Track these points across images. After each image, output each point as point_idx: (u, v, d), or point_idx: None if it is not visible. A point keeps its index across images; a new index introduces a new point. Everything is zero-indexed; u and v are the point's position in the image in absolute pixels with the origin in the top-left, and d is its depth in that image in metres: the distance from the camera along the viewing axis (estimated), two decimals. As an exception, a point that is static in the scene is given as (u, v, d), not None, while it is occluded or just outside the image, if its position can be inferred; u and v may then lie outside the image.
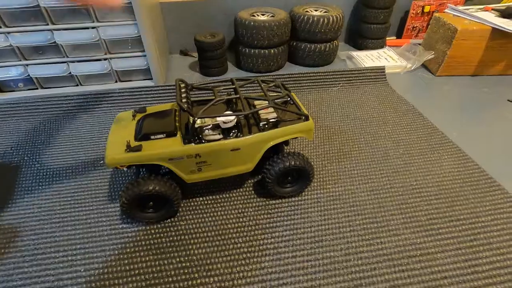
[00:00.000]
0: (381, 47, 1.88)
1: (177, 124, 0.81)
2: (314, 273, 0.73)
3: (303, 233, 0.82)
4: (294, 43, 1.67)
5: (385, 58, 1.73)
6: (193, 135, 0.75)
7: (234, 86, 0.84)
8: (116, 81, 1.42)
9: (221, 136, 0.78)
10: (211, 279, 0.72)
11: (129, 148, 0.73)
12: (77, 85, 1.39)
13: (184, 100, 0.75)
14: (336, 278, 0.72)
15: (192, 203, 0.90)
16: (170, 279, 0.71)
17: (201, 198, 0.91)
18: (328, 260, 0.75)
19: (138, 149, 0.73)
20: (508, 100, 1.41)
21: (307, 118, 0.84)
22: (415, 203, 0.91)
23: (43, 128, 1.21)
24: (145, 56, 1.35)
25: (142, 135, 0.77)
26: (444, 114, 1.31)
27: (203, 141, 0.77)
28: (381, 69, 1.55)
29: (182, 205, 0.89)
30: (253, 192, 0.94)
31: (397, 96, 1.43)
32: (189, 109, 0.74)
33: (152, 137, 0.77)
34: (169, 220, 0.85)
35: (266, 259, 0.76)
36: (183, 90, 0.80)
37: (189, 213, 0.87)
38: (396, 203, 0.91)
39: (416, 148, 1.12)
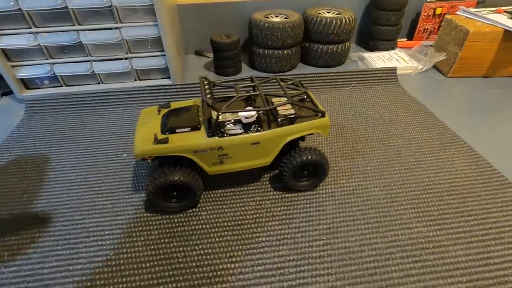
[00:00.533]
0: (392, 48, 1.91)
1: (200, 119, 0.85)
2: (330, 261, 0.76)
3: (318, 224, 0.86)
4: (307, 44, 1.70)
5: (396, 59, 1.75)
6: (216, 129, 0.80)
7: (254, 84, 0.89)
8: (135, 80, 1.48)
9: (242, 130, 0.83)
10: (233, 265, 0.76)
11: (157, 141, 0.78)
12: (99, 83, 1.45)
13: (208, 96, 0.80)
14: (351, 267, 0.75)
15: (212, 195, 0.94)
16: (194, 264, 0.76)
17: (220, 191, 0.96)
18: (343, 250, 0.79)
19: (165, 141, 0.78)
20: (520, 101, 1.42)
21: (323, 115, 0.88)
22: (427, 199, 0.93)
23: (68, 123, 1.28)
24: (164, 55, 1.41)
25: (168, 128, 0.82)
26: (455, 114, 1.34)
27: (225, 135, 0.81)
28: (393, 70, 1.58)
29: (202, 196, 0.93)
30: (269, 185, 0.98)
31: (408, 96, 1.46)
32: (214, 104, 0.78)
33: (178, 130, 0.81)
34: (190, 210, 0.89)
35: (284, 248, 0.79)
36: (206, 87, 0.84)
37: (209, 204, 0.91)
38: (408, 198, 0.94)
39: (428, 146, 1.15)
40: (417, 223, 0.86)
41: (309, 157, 0.86)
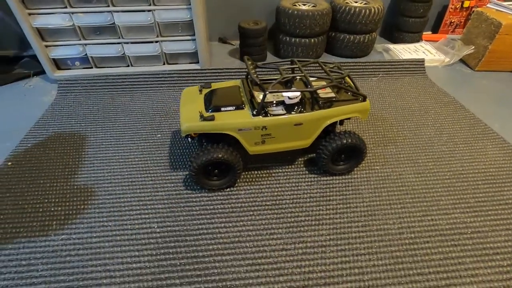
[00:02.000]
0: (417, 41, 1.89)
1: (243, 99, 0.86)
2: (370, 242, 0.78)
3: (355, 207, 0.87)
4: (333, 34, 1.70)
5: (423, 52, 1.73)
6: (262, 108, 0.81)
7: (297, 66, 0.89)
8: (164, 63, 1.49)
9: (284, 111, 0.83)
10: (274, 241, 0.77)
11: (203, 118, 0.79)
12: (128, 66, 1.47)
13: (255, 76, 0.81)
14: (391, 248, 0.76)
15: (249, 176, 0.96)
16: (236, 239, 0.78)
17: (256, 172, 0.97)
18: (383, 232, 0.80)
19: (211, 118, 0.79)
20: (551, 96, 1.40)
21: (364, 99, 0.88)
22: (462, 187, 0.94)
23: (100, 104, 1.30)
24: (194, 40, 1.41)
25: (213, 107, 0.83)
26: (485, 107, 1.33)
27: (269, 115, 0.82)
28: (421, 62, 1.57)
29: (242, 177, 0.95)
30: (304, 168, 0.99)
31: (437, 88, 1.45)
32: (261, 83, 0.79)
33: (223, 109, 0.83)
34: (228, 190, 0.91)
35: (324, 228, 0.81)
36: (251, 67, 0.85)
37: (246, 184, 0.93)
38: (443, 185, 0.94)
39: (460, 137, 1.14)
40: (453, 209, 0.87)
41: (349, 140, 0.87)
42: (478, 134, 1.16)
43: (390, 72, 1.54)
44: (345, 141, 0.87)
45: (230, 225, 0.81)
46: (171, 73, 1.42)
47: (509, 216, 0.85)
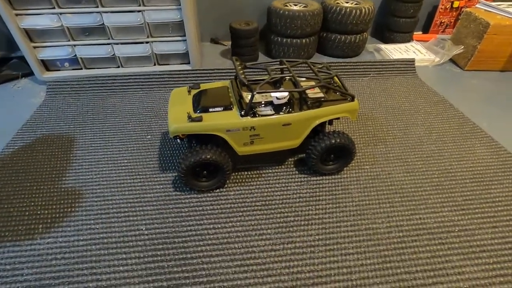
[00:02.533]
0: (408, 41, 1.90)
1: (231, 99, 0.86)
2: (359, 241, 0.78)
3: (345, 207, 0.87)
4: (324, 34, 1.70)
5: (413, 52, 1.75)
6: (250, 108, 0.80)
7: (285, 66, 0.89)
8: (154, 64, 1.48)
9: (272, 112, 0.83)
10: (263, 242, 0.77)
11: (191, 119, 0.79)
12: (118, 67, 1.46)
13: (243, 76, 0.80)
14: (379, 247, 0.77)
15: (238, 177, 0.95)
16: (225, 240, 0.77)
17: (246, 173, 0.97)
18: (371, 231, 0.80)
19: (199, 119, 0.79)
20: (539, 95, 1.42)
21: (352, 99, 0.88)
22: (450, 185, 0.94)
23: (89, 105, 1.28)
24: (185, 40, 1.41)
25: (201, 107, 0.83)
26: (474, 106, 1.34)
27: (257, 115, 0.82)
28: (411, 61, 1.58)
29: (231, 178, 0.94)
30: (294, 169, 0.99)
31: (427, 88, 1.46)
32: (249, 84, 0.79)
33: (211, 109, 0.82)
34: (218, 190, 0.90)
35: (313, 228, 0.81)
36: (239, 67, 0.85)
37: (236, 185, 0.93)
38: (432, 184, 0.95)
39: (449, 135, 1.15)
40: (441, 208, 0.87)
41: (338, 140, 0.87)
42: (467, 133, 1.17)
43: (381, 72, 1.55)
44: (333, 141, 0.87)
45: (219, 226, 0.81)
46: (162, 74, 1.41)
47: (496, 214, 0.86)
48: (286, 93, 0.82)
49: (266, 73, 0.88)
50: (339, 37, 1.66)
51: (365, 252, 0.75)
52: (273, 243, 0.77)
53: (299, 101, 0.86)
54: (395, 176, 0.97)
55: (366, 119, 1.24)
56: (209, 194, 0.89)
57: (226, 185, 0.92)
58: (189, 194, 0.89)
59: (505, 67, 1.62)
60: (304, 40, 1.61)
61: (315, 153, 0.89)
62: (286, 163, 1.01)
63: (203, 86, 0.94)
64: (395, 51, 1.74)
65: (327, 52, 1.75)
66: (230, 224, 0.81)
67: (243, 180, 0.94)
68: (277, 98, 0.82)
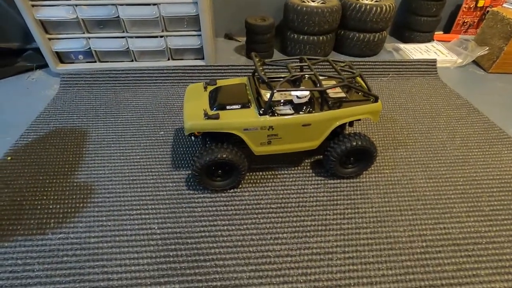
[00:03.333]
0: (429, 41, 1.83)
1: (249, 97, 0.83)
2: (380, 250, 0.74)
3: (364, 212, 0.83)
4: (342, 32, 1.65)
5: (434, 52, 1.68)
6: (269, 107, 0.77)
7: (305, 64, 0.86)
8: (168, 59, 1.46)
9: (292, 111, 0.80)
10: (279, 246, 0.74)
11: (208, 116, 0.76)
12: (132, 61, 1.44)
13: (263, 73, 0.77)
14: (401, 257, 0.73)
15: (253, 177, 0.92)
16: (239, 243, 0.74)
17: (261, 173, 0.94)
18: (392, 240, 0.76)
19: (216, 117, 0.76)
20: None
21: (376, 100, 0.84)
22: (476, 194, 0.90)
23: (103, 99, 1.27)
24: (200, 35, 1.38)
25: (218, 105, 0.80)
26: (499, 110, 1.28)
27: (276, 114, 0.78)
28: (433, 62, 1.52)
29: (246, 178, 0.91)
30: (311, 171, 0.95)
31: (449, 90, 1.40)
32: (269, 82, 0.76)
33: (228, 107, 0.79)
34: (232, 190, 0.88)
35: (330, 233, 0.77)
36: (259, 64, 0.82)
37: (251, 186, 0.90)
38: (456, 192, 0.90)
39: (474, 141, 1.10)
40: (467, 218, 0.83)
41: (359, 142, 0.83)
42: (493, 139, 1.11)
43: (401, 72, 1.50)
44: (355, 143, 0.83)
45: (233, 228, 0.78)
46: (176, 69, 1.39)
47: (526, 226, 0.81)
48: (307, 92, 0.79)
49: (285, 70, 0.84)
50: (357, 35, 1.61)
51: (386, 262, 0.71)
52: (289, 248, 0.74)
53: (319, 101, 0.82)
54: (417, 182, 0.93)
55: (385, 121, 1.19)
56: (223, 194, 0.87)
57: (240, 186, 0.89)
58: (202, 194, 0.86)
59: (532, 71, 1.54)
60: (321, 38, 1.56)
61: (334, 156, 0.85)
62: (302, 164, 0.97)
63: (220, 83, 0.91)
64: (415, 51, 1.68)
65: (344, 50, 1.70)
66: (245, 226, 0.78)
67: (258, 181, 0.91)
68: (298, 97, 0.79)
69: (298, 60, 0.92)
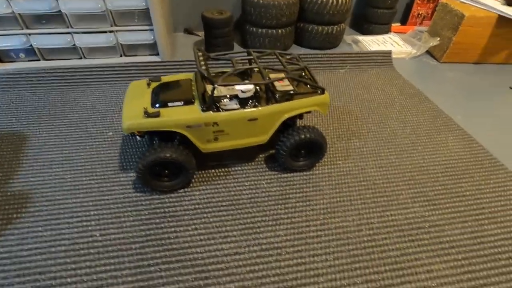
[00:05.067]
0: (386, 33, 1.88)
1: (193, 93, 0.80)
2: (328, 241, 0.75)
3: (315, 204, 0.84)
4: (301, 25, 1.65)
5: (391, 43, 1.73)
6: (212, 103, 0.75)
7: (251, 57, 0.84)
8: (121, 55, 1.39)
9: (238, 106, 0.78)
10: (227, 245, 0.73)
11: (147, 114, 0.73)
12: (81, 58, 1.36)
13: (204, 68, 0.74)
14: (349, 247, 0.74)
15: (205, 175, 0.90)
16: (187, 244, 0.72)
17: (213, 170, 0.92)
18: (341, 230, 0.77)
19: (156, 115, 0.73)
20: (510, 87, 1.44)
21: (323, 92, 0.84)
22: (422, 180, 0.93)
23: (47, 100, 1.18)
24: (152, 30, 1.32)
25: (159, 102, 0.76)
26: (448, 99, 1.34)
27: (221, 110, 0.76)
28: (388, 53, 1.56)
29: (195, 176, 0.89)
30: (264, 165, 0.94)
31: (403, 80, 1.45)
32: (209, 76, 0.73)
33: (170, 104, 0.76)
34: (182, 190, 0.85)
35: (281, 228, 0.77)
36: (201, 58, 0.79)
37: (202, 184, 0.87)
38: (404, 179, 0.93)
39: (423, 129, 1.14)
40: (413, 203, 0.85)
41: (308, 135, 0.83)
42: (441, 126, 1.16)
43: (358, 64, 1.53)
44: (303, 136, 0.83)
45: (181, 229, 0.75)
46: (128, 66, 1.32)
47: (466, 208, 0.85)
48: (251, 86, 0.77)
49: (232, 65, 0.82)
50: (316, 28, 1.62)
51: (333, 253, 0.72)
52: (238, 245, 0.73)
53: (266, 95, 0.81)
54: (368, 171, 0.95)
55: (340, 112, 1.21)
56: (173, 195, 0.83)
57: (191, 184, 0.87)
58: (150, 196, 0.83)
59: (479, 59, 1.63)
60: (280, 31, 1.55)
61: (284, 149, 0.84)
62: (257, 159, 0.96)
63: (165, 79, 0.87)
64: (372, 42, 1.72)
65: (304, 43, 1.70)
66: (193, 226, 0.76)
67: (210, 179, 0.89)
68: (242, 92, 0.77)
69: (246, 54, 0.90)
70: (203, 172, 0.91)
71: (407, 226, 0.79)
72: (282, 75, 0.88)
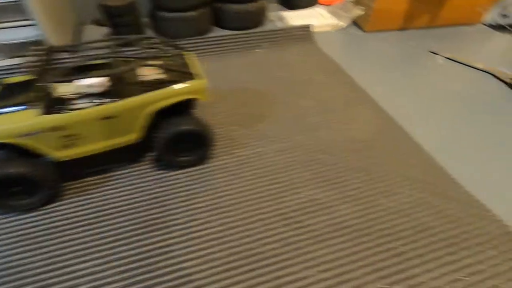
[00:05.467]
0: (313, 5, 1.80)
1: (32, 94, 0.68)
2: (210, 240, 0.68)
3: (198, 202, 0.76)
4: (219, 5, 1.53)
5: (316, 17, 1.65)
6: (51, 104, 0.64)
7: (108, 44, 0.72)
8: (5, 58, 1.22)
9: (88, 104, 0.67)
10: (84, 264, 0.64)
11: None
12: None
13: (39, 64, 0.62)
14: (229, 244, 0.67)
15: (81, 184, 0.79)
16: (38, 270, 0.63)
17: (92, 178, 0.81)
18: (224, 227, 0.70)
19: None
20: (430, 52, 1.41)
21: (195, 78, 0.75)
22: (324, 159, 0.87)
23: None
24: (35, 25, 1.16)
25: (-16, 109, 0.64)
26: (369, 71, 1.28)
27: (66, 111, 0.65)
28: (306, 28, 1.48)
29: (69, 187, 0.78)
30: (152, 166, 0.85)
31: (324, 55, 1.38)
32: (39, 74, 0.62)
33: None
34: (47, 206, 0.74)
35: (154, 234, 0.69)
36: (34, 53, 0.67)
37: (75, 195, 0.77)
38: (304, 160, 0.87)
39: (337, 105, 1.08)
40: (304, 187, 0.80)
41: (183, 127, 0.74)
42: (355, 101, 1.11)
43: (277, 42, 1.44)
44: (178, 128, 0.74)
45: (36, 253, 0.65)
46: (13, 68, 1.16)
47: (361, 185, 0.80)
48: (99, 79, 0.66)
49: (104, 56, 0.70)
50: (234, 7, 1.50)
51: (216, 252, 0.65)
52: (95, 264, 0.64)
53: (128, 88, 0.70)
54: (266, 157, 0.88)
55: (254, 95, 1.12)
56: (34, 213, 0.72)
57: (63, 197, 0.76)
58: (5, 216, 0.72)
59: (403, 26, 1.58)
60: (194, 13, 1.43)
61: (159, 146, 0.75)
62: (145, 160, 0.86)
63: (7, 81, 0.74)
64: (297, 18, 1.63)
65: (225, 25, 1.58)
66: (49, 248, 0.66)
67: (86, 188, 0.79)
68: (88, 86, 0.66)
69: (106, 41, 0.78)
70: (78, 182, 0.80)
71: (295, 212, 0.73)
72: (160, 62, 0.77)
